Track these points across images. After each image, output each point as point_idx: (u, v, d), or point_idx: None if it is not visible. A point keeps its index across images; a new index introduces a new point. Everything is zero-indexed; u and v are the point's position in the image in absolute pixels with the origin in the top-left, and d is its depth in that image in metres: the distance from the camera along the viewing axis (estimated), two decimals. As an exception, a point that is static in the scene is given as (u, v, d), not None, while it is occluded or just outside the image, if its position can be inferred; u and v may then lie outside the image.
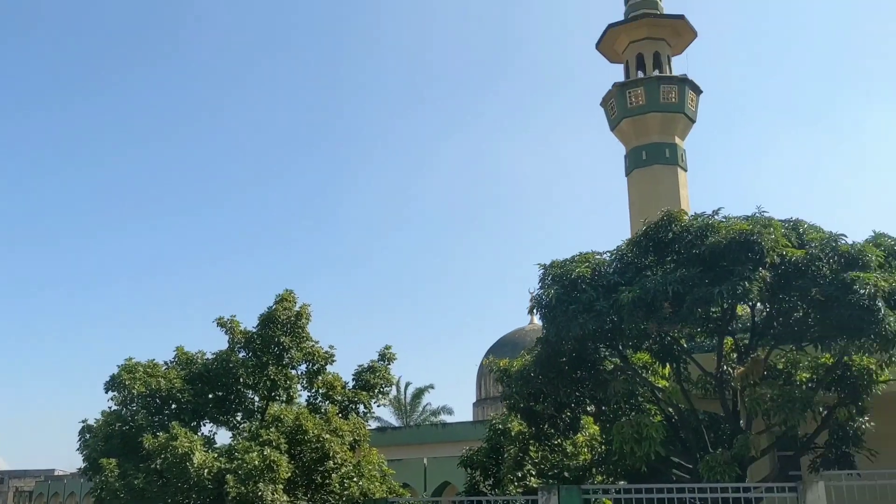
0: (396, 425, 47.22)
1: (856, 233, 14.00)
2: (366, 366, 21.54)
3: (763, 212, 13.67)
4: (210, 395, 20.41)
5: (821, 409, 13.96)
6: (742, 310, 14.64)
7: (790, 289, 12.98)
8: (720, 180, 69.94)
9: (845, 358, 13.70)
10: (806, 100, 79.29)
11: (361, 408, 21.10)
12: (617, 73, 38.89)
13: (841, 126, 78.80)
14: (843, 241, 13.28)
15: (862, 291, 12.03)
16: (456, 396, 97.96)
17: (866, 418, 14.22)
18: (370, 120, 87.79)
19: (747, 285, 12.27)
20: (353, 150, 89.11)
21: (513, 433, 18.11)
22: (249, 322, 20.88)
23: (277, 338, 20.16)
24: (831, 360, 13.94)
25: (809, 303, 12.86)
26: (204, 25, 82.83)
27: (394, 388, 46.39)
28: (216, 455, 17.86)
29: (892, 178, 78.28)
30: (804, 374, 14.34)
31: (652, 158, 35.26)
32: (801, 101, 79.88)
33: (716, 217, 13.86)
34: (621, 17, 38.08)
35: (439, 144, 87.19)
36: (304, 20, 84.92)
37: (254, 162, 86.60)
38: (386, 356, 21.83)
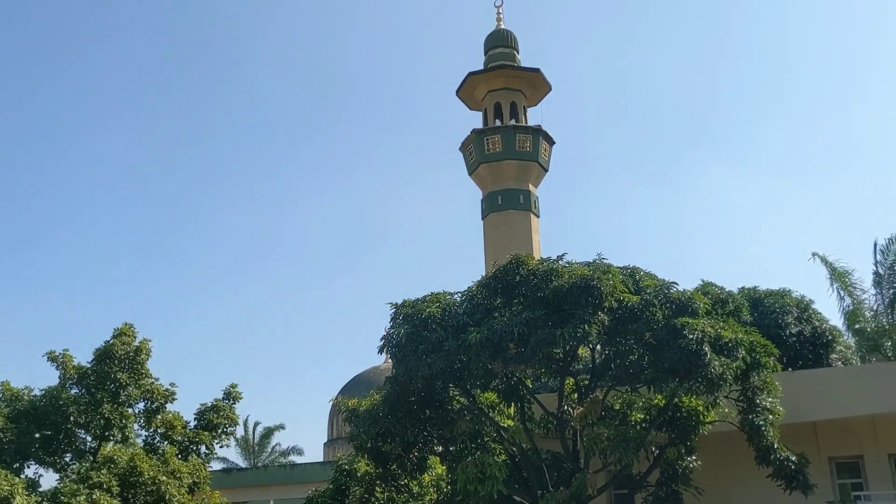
0: (243, 466, 45.48)
1: (687, 281, 14.91)
2: (209, 405, 20.76)
3: (603, 259, 14.35)
4: (37, 435, 19.07)
5: (653, 449, 14.65)
6: (584, 351, 15.20)
7: (626, 332, 13.61)
8: (570, 227, 72.88)
9: (676, 399, 14.44)
10: (651, 155, 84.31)
11: (203, 448, 20.27)
12: (476, 119, 39.83)
13: (681, 181, 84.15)
14: (674, 289, 14.11)
15: (690, 336, 12.77)
16: (308, 436, 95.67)
17: (694, 457, 14.99)
18: (231, 155, 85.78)
19: (587, 328, 12.78)
20: (209, 184, 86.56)
21: (359, 474, 17.88)
22: (85, 357, 19.76)
23: (114, 374, 19.12)
24: (663, 401, 14.65)
25: (643, 346, 13.52)
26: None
27: (241, 427, 44.95)
28: (39, 499, 16.64)
29: (723, 230, 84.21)
30: (639, 415, 15.00)
31: (507, 203, 36.33)
32: (646, 156, 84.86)
33: (560, 262, 14.40)
34: (482, 67, 39.22)
35: (298, 182, 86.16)
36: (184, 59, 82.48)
37: (100, 187, 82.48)
38: (232, 395, 21.14)
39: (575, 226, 76.63)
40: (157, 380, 20.25)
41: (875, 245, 21.78)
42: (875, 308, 21.86)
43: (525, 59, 39.88)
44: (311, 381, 75.10)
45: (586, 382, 15.23)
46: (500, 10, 40.74)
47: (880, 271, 21.63)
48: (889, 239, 21.64)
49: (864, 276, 22.22)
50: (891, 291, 21.45)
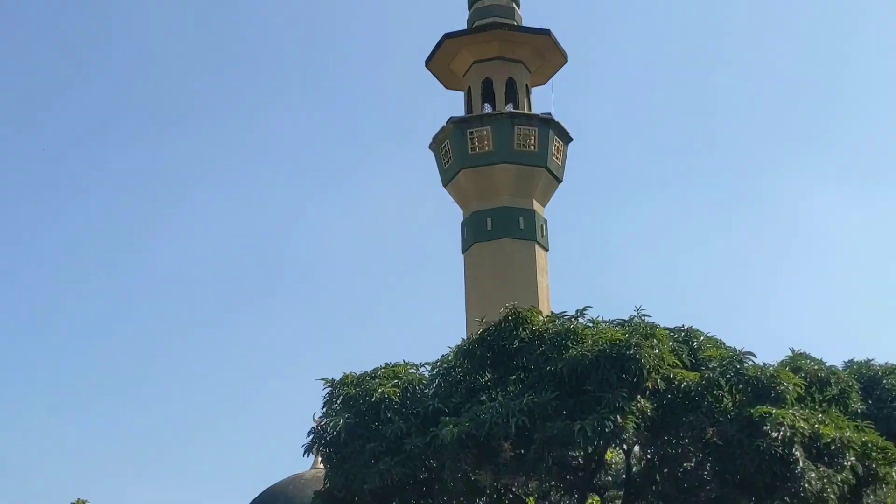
0: None
1: (768, 352, 14.92)
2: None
3: (644, 315, 14.41)
4: None
5: None
6: (613, 455, 15.17)
7: (679, 426, 13.62)
8: (595, 266, 72.18)
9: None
10: (717, 164, 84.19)
11: None
12: (455, 102, 39.92)
13: (767, 199, 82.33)
14: (749, 362, 14.18)
15: (774, 434, 12.81)
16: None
17: None
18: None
19: (620, 420, 12.75)
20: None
21: None
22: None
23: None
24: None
25: (704, 447, 13.53)
26: None
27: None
28: None
29: (824, 276, 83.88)
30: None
31: (500, 230, 36.05)
32: (711, 166, 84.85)
33: (580, 320, 14.46)
34: (464, 26, 39.32)
35: (216, 200, 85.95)
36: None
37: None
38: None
39: (602, 265, 76.60)
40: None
41: None
42: None
43: (529, 17, 40.10)
44: (208, 496, 74.32)
45: (618, 502, 15.22)
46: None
47: None
48: None
49: None
50: None
